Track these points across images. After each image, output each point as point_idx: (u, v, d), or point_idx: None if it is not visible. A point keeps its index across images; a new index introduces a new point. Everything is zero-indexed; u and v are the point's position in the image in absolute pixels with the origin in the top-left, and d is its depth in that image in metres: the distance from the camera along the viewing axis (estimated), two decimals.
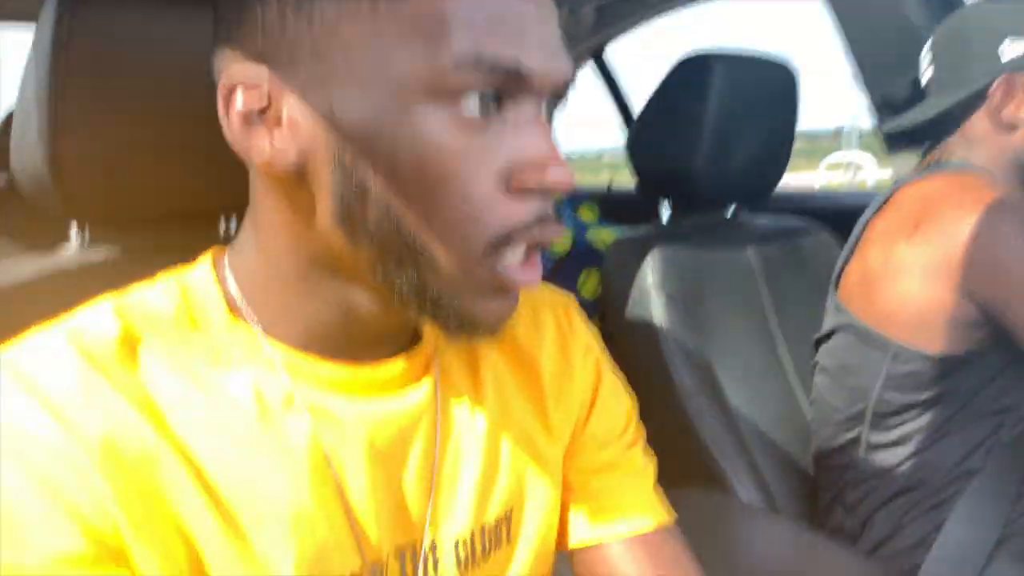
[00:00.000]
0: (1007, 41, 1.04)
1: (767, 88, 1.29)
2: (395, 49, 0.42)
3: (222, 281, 0.51)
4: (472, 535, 0.54)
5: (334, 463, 0.49)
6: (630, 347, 1.22)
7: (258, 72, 0.44)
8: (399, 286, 0.46)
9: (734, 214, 1.43)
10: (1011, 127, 1.05)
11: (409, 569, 0.52)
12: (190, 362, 0.46)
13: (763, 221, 1.43)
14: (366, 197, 0.44)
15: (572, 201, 1.81)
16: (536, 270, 0.47)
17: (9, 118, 1.69)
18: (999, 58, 1.04)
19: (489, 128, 0.44)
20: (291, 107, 0.44)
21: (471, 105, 0.43)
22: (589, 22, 2.01)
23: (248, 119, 0.45)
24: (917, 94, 1.18)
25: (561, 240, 1.69)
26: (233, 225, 0.87)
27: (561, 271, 1.72)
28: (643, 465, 0.65)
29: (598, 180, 1.85)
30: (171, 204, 0.84)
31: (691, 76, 1.24)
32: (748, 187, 1.35)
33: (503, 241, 0.45)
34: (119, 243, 0.89)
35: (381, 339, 0.52)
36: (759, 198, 1.40)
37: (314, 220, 0.47)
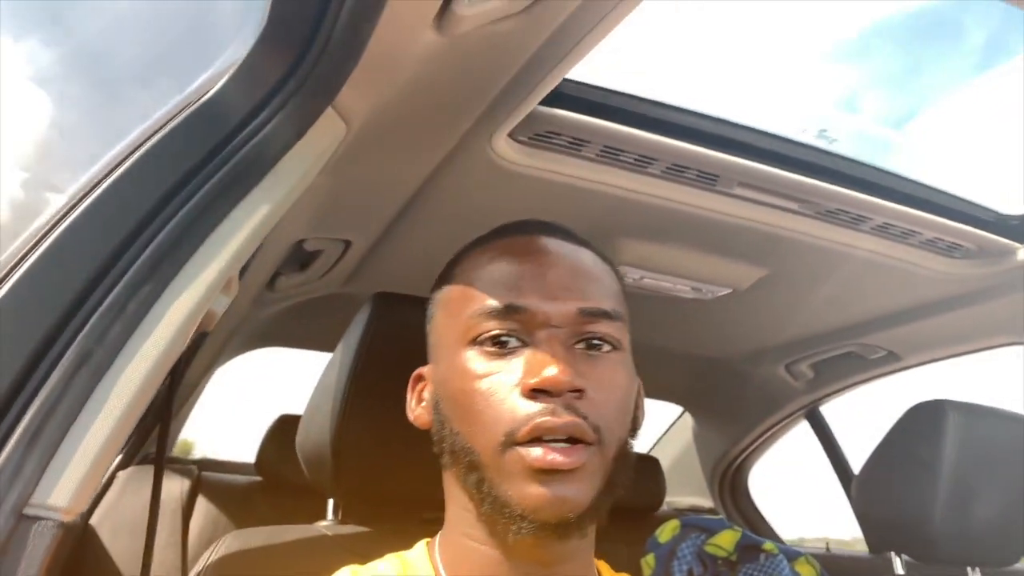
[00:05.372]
0: None
1: (1010, 444, 1.23)
2: (451, 324, 0.66)
3: (431, 556, 0.66)
4: None
5: None
6: None
7: (426, 370, 0.72)
8: (472, 491, 0.60)
9: None
10: None
11: None
12: None
13: None
14: (443, 423, 0.65)
15: (788, 555, 1.72)
16: (565, 455, 0.57)
17: (273, 427, 1.94)
18: None
19: (511, 356, 0.61)
20: (428, 388, 0.70)
21: (490, 342, 0.62)
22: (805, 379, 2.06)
23: (415, 396, 0.72)
24: None
25: None
26: None
27: None
28: None
29: None
30: (414, 496, 0.93)
31: (924, 424, 1.22)
32: (993, 551, 1.23)
33: (518, 429, 0.58)
34: (366, 524, 0.99)
35: None
36: (1005, 565, 1.26)
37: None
